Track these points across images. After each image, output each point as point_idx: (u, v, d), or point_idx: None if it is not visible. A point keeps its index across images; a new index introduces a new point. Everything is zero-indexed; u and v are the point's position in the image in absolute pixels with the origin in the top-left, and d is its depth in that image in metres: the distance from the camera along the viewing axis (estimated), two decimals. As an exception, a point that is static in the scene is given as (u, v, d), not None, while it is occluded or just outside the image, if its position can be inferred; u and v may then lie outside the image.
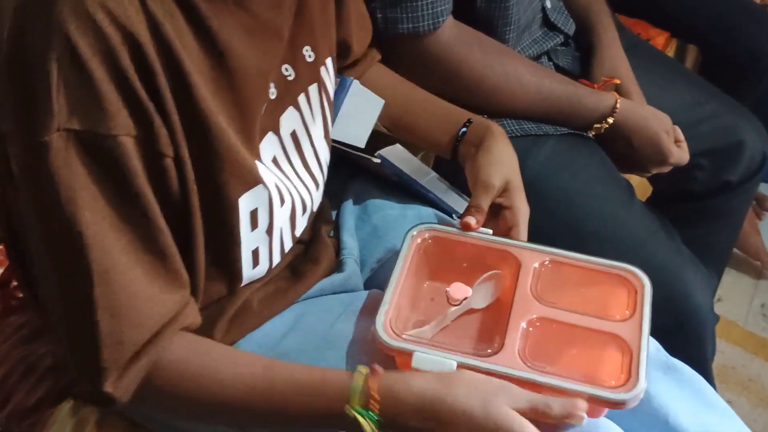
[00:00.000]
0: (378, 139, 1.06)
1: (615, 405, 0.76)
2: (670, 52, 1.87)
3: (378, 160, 1.01)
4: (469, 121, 1.03)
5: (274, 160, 0.82)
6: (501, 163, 0.96)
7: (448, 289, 0.86)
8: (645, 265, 1.12)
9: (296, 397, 0.73)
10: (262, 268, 0.84)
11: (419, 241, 0.90)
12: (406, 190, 1.07)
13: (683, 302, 1.15)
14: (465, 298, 0.85)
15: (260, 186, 0.77)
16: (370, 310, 0.86)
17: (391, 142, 1.05)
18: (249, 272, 0.82)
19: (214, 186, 0.73)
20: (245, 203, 0.76)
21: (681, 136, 1.24)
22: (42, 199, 0.65)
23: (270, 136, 0.81)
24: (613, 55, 1.30)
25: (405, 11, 1.07)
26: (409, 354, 0.77)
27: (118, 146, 0.64)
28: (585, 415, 0.74)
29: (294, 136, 0.85)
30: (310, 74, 0.86)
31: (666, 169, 1.24)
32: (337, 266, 0.97)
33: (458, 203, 1.05)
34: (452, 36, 1.12)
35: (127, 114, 0.64)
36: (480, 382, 0.73)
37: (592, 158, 1.21)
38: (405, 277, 0.86)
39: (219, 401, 0.74)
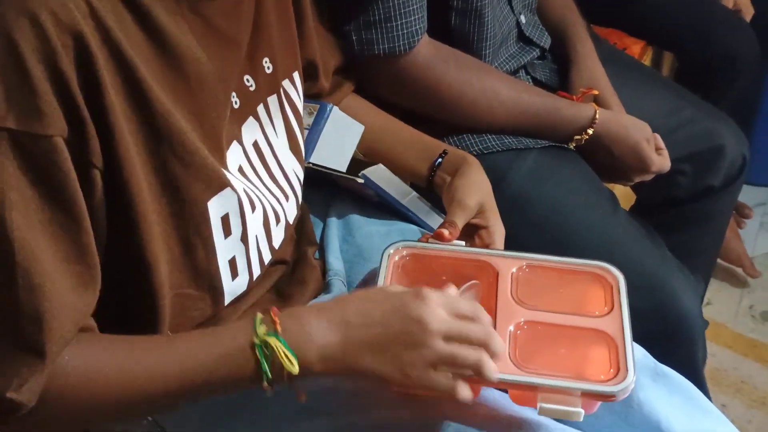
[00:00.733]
0: (357, 162, 1.06)
1: (607, 397, 0.78)
2: (647, 60, 1.89)
3: (361, 180, 1.02)
4: (444, 152, 1.05)
5: (240, 170, 0.82)
6: (476, 186, 0.99)
7: None
8: (631, 273, 1.12)
9: (202, 350, 0.72)
10: (242, 279, 0.84)
11: (396, 258, 0.91)
12: (388, 209, 1.07)
13: (671, 309, 1.16)
14: None
15: (228, 189, 0.77)
16: None
17: (372, 163, 1.06)
18: (229, 284, 0.81)
19: (179, 191, 0.73)
20: (215, 208, 0.76)
21: (661, 144, 1.25)
22: None
23: (234, 145, 0.81)
24: (590, 66, 1.31)
25: (380, 32, 1.08)
26: None
27: (51, 147, 0.63)
28: (582, 411, 0.76)
29: (256, 146, 0.85)
30: (269, 85, 0.87)
31: (648, 178, 1.25)
32: (324, 288, 0.97)
33: (439, 223, 1.05)
34: (428, 54, 1.13)
35: (62, 116, 0.64)
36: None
37: (575, 169, 1.22)
38: None
39: (133, 389, 0.71)
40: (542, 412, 0.77)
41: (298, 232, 0.99)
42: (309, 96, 1.03)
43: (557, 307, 0.87)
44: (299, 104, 0.94)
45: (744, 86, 1.74)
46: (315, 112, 1.01)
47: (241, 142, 0.83)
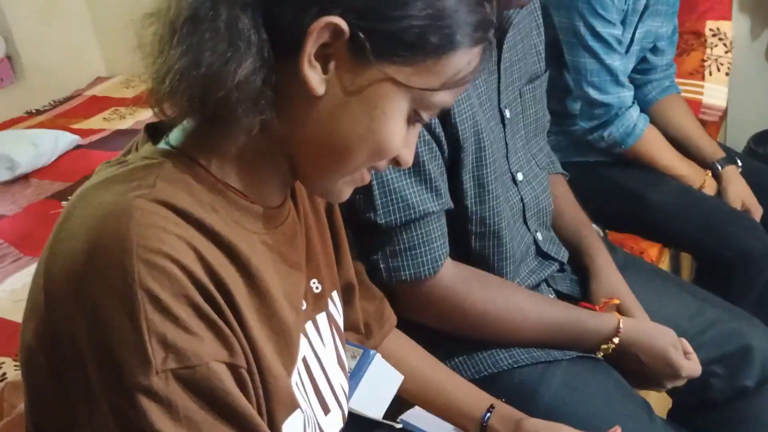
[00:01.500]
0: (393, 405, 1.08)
1: None
2: (664, 263, 1.93)
3: (400, 425, 1.03)
4: (492, 406, 1.07)
5: (295, 384, 0.84)
6: None
7: None
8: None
9: None
10: None
11: None
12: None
13: None
14: None
15: (298, 410, 0.79)
16: None
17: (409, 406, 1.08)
18: None
19: (263, 415, 0.75)
20: (287, 428, 0.78)
21: (689, 348, 1.26)
22: None
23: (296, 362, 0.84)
24: (609, 276, 1.35)
25: (405, 259, 1.14)
26: None
27: (210, 371, 0.68)
28: None
29: (305, 361, 0.87)
30: (317, 304, 0.91)
31: (681, 383, 1.25)
32: None
33: None
34: (452, 276, 1.18)
35: (212, 340, 0.69)
36: None
37: (606, 379, 1.23)
38: None
39: None
40: None
41: None
42: (349, 329, 1.06)
43: None
44: (340, 320, 0.97)
45: (763, 283, 1.77)
46: (358, 357, 1.04)
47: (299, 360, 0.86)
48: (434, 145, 1.13)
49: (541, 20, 1.38)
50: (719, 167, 1.91)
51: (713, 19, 2.48)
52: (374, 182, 1.09)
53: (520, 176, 1.30)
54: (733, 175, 1.91)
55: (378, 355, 1.06)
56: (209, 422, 0.68)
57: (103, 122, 2.95)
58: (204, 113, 0.73)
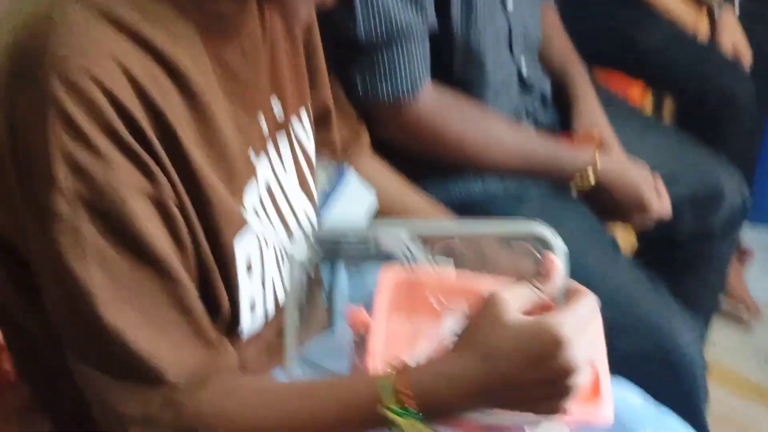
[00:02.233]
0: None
1: (594, 423, 0.80)
2: (647, 104, 1.92)
3: None
4: None
5: (254, 211, 0.82)
6: None
7: None
8: (632, 315, 1.14)
9: (330, 411, 0.72)
10: (259, 321, 0.84)
11: (388, 287, 0.93)
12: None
13: (671, 350, 1.16)
14: None
15: (249, 230, 0.78)
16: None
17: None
18: (248, 325, 0.82)
19: (211, 234, 0.74)
20: (240, 248, 0.77)
21: (662, 187, 1.27)
22: (54, 264, 0.66)
23: (251, 186, 0.82)
24: (590, 108, 1.33)
25: (384, 78, 1.10)
26: None
27: (125, 203, 0.65)
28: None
29: (267, 185, 0.86)
30: (277, 124, 0.88)
31: (649, 222, 1.27)
32: (329, 328, 0.98)
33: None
34: (432, 101, 1.15)
35: (132, 170, 0.66)
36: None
37: (576, 214, 1.24)
38: (383, 316, 0.89)
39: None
40: None
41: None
42: (322, 147, 1.04)
43: None
44: (307, 142, 0.94)
45: (743, 132, 1.76)
46: (332, 176, 1.02)
47: (255, 183, 0.84)
48: None
49: None
50: (716, 8, 1.85)
51: None
52: None
53: (510, 5, 1.25)
54: (728, 18, 1.85)
55: (353, 173, 1.04)
56: (119, 263, 0.66)
57: None
58: None
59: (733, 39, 1.84)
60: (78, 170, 0.64)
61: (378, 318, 0.88)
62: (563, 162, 1.22)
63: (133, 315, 0.68)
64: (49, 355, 0.79)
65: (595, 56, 1.74)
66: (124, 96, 0.65)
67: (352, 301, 1.02)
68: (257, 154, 0.84)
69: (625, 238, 1.47)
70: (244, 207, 0.80)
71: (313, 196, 0.95)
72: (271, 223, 0.86)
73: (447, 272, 0.97)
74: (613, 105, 1.44)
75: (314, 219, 0.95)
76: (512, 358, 0.66)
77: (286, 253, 0.89)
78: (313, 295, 0.98)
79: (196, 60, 0.72)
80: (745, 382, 1.80)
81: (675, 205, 1.29)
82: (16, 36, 0.65)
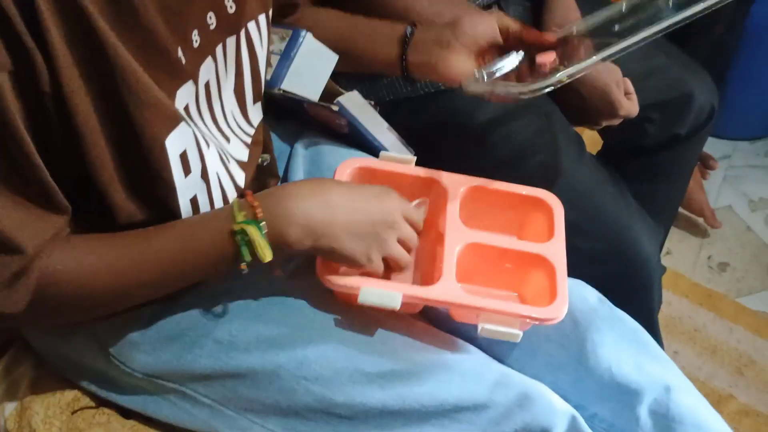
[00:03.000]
0: (331, 93, 1.03)
1: (545, 321, 0.84)
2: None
3: (336, 108, 1.00)
4: (414, 23, 0.97)
5: (186, 109, 0.79)
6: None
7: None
8: (593, 216, 1.13)
9: (182, 241, 0.77)
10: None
11: (347, 172, 0.95)
12: (356, 143, 1.05)
13: (631, 253, 1.16)
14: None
15: (183, 124, 0.75)
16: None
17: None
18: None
19: (134, 125, 0.71)
20: (173, 145, 0.74)
21: (631, 88, 1.24)
22: None
23: (189, 85, 0.78)
24: (564, 4, 1.29)
25: None
26: (354, 291, 0.83)
27: None
28: (521, 333, 0.83)
29: (207, 86, 0.82)
30: (229, 25, 0.83)
31: (616, 122, 1.24)
32: None
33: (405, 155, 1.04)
34: None
35: (3, 51, 0.62)
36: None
37: (541, 113, 1.21)
38: None
39: (118, 282, 0.75)
40: (483, 332, 0.83)
41: (259, 167, 0.97)
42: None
43: (500, 229, 0.96)
44: (260, 50, 0.90)
45: (719, 38, 1.73)
46: (287, 38, 0.98)
47: (196, 83, 0.79)
48: None
49: None
50: None
51: None
52: None
53: None
54: None
55: (309, 35, 0.99)
56: None
57: None
58: None
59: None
60: None
61: None
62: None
63: None
64: None
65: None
66: None
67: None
68: (204, 53, 0.79)
69: (592, 139, 1.46)
70: (174, 104, 0.76)
71: (246, 105, 0.91)
72: (203, 121, 0.83)
73: (405, 161, 0.96)
74: (588, 1, 1.40)
75: (243, 122, 0.92)
76: (352, 187, 0.84)
77: (227, 154, 0.85)
78: (266, 185, 0.95)
79: None
80: (696, 288, 1.83)
81: (643, 108, 1.26)
82: None
